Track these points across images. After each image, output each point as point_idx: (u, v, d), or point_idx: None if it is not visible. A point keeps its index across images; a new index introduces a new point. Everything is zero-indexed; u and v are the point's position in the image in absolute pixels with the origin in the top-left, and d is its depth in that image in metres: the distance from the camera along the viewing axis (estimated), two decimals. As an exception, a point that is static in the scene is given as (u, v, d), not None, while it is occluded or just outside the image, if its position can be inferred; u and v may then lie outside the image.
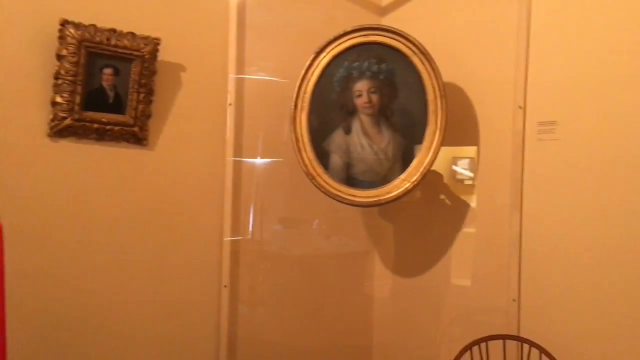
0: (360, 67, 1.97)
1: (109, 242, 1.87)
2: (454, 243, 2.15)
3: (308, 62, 1.99)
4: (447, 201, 2.20)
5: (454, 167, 2.16)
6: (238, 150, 2.11)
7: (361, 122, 2.00)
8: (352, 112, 2.00)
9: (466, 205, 2.11)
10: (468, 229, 2.11)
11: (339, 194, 1.97)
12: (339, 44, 1.97)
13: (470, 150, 2.08)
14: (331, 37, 1.97)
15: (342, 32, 1.96)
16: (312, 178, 1.98)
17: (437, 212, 2.24)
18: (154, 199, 1.96)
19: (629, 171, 1.64)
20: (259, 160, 2.20)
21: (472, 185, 2.09)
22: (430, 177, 2.05)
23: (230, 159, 2.08)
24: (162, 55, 1.90)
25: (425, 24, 2.21)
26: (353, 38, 1.96)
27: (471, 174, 2.09)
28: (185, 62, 1.98)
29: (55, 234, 1.78)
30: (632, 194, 1.63)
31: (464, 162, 2.13)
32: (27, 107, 1.71)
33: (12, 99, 1.69)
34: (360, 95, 1.98)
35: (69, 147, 1.79)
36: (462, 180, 2.14)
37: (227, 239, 2.09)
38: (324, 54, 1.98)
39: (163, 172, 1.97)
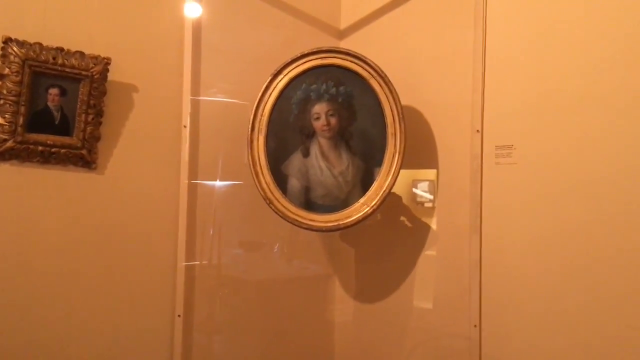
0: (318, 90, 1.94)
1: (55, 271, 1.76)
2: (416, 266, 2.12)
3: (265, 84, 1.95)
4: (407, 223, 2.17)
5: (415, 190, 2.14)
6: (194, 173, 2.05)
7: (320, 145, 1.96)
8: (310, 135, 1.96)
9: (427, 228, 2.09)
10: (429, 252, 2.09)
11: (297, 218, 1.92)
12: (296, 66, 1.94)
13: (430, 173, 2.07)
14: (289, 59, 1.94)
15: (299, 55, 1.94)
16: (269, 202, 1.92)
17: (398, 235, 2.22)
18: (104, 224, 1.87)
19: (587, 194, 1.64)
20: (218, 183, 2.14)
21: (432, 208, 2.07)
22: (390, 200, 2.03)
23: (185, 181, 2.01)
24: (112, 75, 1.83)
25: (383, 47, 2.22)
26: (311, 60, 1.94)
27: (431, 197, 2.08)
28: (138, 82, 1.91)
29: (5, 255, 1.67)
30: (591, 217, 1.63)
31: (424, 185, 2.11)
32: (-36, 128, 1.62)
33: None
34: (318, 118, 1.95)
35: (11, 171, 1.69)
36: (422, 203, 2.13)
37: (182, 264, 2.01)
38: (281, 76, 1.95)
39: (113, 197, 1.88)
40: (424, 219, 2.11)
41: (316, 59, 1.94)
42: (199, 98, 2.05)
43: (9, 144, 1.66)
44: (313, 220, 1.92)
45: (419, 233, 2.12)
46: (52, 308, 1.76)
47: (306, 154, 1.96)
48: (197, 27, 2.06)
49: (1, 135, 1.65)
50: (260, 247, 2.30)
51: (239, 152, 2.11)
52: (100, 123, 1.82)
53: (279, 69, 1.94)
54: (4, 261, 1.68)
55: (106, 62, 1.78)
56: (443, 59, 2.06)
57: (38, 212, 1.74)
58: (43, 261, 1.74)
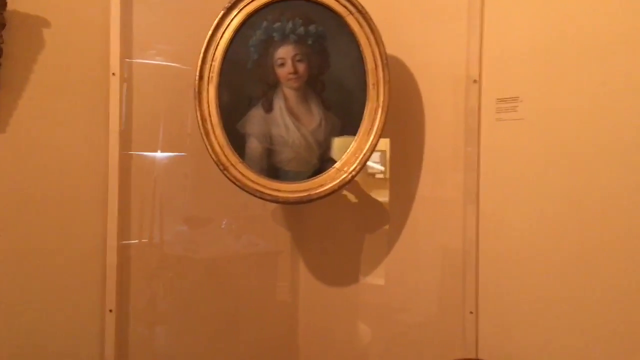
0: (282, 29, 1.57)
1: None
2: (390, 245, 1.80)
3: (216, 22, 1.55)
4: (379, 197, 1.85)
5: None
6: (126, 141, 1.65)
7: (285, 98, 1.59)
8: (273, 85, 1.59)
9: (404, 201, 1.77)
10: (409, 230, 1.77)
11: (258, 188, 1.56)
12: (255, -1, 1.56)
13: (414, 132, 1.75)
14: (245, -12, 1.55)
15: (259, -17, 1.55)
16: (224, 169, 1.55)
17: (369, 209, 1.89)
18: (8, 197, 1.45)
19: (608, 157, 1.36)
20: (159, 154, 1.75)
21: (417, 177, 1.75)
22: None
23: (115, 152, 1.60)
24: (14, 3, 1.40)
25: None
26: (274, -9, 1.56)
27: (382, 168, 1.78)
28: (49, 15, 1.48)
29: None
30: (611, 186, 1.36)
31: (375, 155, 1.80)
32: None
33: None
34: (283, 64, 1.57)
35: None
36: (373, 174, 1.83)
37: (114, 243, 1.62)
38: (236, 10, 1.55)
39: (19, 162, 1.47)
40: (400, 190, 1.80)
41: (281, -12, 1.56)
42: (132, 61, 1.64)
43: None
44: (278, 190, 1.56)
45: (394, 207, 1.81)
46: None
47: (268, 108, 1.59)
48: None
49: None
50: (206, 223, 1.96)
51: (181, 121, 1.75)
52: (-1, 65, 1.40)
53: (233, 1, 1.55)
54: None
55: (1, -17, 1.35)
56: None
57: None
58: None
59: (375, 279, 1.85)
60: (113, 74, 1.59)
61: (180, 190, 1.85)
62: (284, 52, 1.57)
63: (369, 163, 1.74)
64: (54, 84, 1.51)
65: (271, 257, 2.07)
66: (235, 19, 1.56)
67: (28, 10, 1.44)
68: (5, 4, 1.37)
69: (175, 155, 1.81)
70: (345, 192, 1.87)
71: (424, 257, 1.75)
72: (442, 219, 1.69)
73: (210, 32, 1.55)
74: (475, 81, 1.58)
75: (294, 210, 1.97)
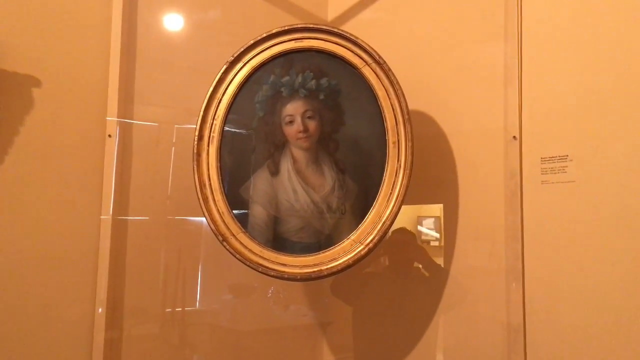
0: (291, 83, 1.41)
1: None
2: (437, 326, 1.54)
3: (218, 76, 1.41)
4: (423, 271, 1.60)
5: (420, 228, 1.60)
6: (122, 205, 1.50)
7: (294, 159, 1.41)
8: (281, 145, 1.41)
9: (448, 276, 1.52)
10: (453, 309, 1.51)
11: (262, 262, 1.35)
12: (262, 51, 1.41)
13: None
14: (251, 40, 1.41)
15: (265, 35, 1.40)
16: (223, 239, 1.36)
17: (410, 286, 1.65)
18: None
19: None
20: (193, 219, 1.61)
21: (462, 245, 1.51)
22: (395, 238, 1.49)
23: (107, 216, 1.45)
24: (2, 63, 1.31)
25: (382, 34, 1.69)
26: (281, 43, 1.41)
27: (437, 235, 1.54)
28: (42, 76, 1.39)
29: None
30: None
31: (429, 222, 1.58)
32: None
33: None
34: (292, 122, 1.41)
35: None
36: (428, 242, 1.59)
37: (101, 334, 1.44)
38: (240, 64, 1.42)
39: (6, 230, 1.34)
40: (438, 262, 1.56)
41: (289, 40, 1.40)
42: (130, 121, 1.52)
43: None
44: (284, 265, 1.35)
45: (436, 283, 1.56)
46: None
47: (275, 171, 1.41)
48: (130, 20, 1.54)
49: None
50: (252, 292, 1.79)
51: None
52: (-17, 127, 1.29)
53: (237, 54, 1.41)
54: None
55: (-13, 41, 1.26)
56: (462, 44, 1.53)
57: None
58: None
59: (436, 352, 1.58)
60: (109, 135, 1.47)
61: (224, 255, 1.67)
62: (293, 109, 1.41)
63: (423, 229, 1.54)
64: (42, 147, 1.39)
65: (314, 329, 1.85)
66: (240, 73, 1.42)
67: (17, 69, 1.34)
68: (-9, 64, 1.28)
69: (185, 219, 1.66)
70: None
71: (464, 341, 1.48)
72: (482, 299, 1.43)
73: (211, 89, 1.41)
74: (514, 137, 1.36)
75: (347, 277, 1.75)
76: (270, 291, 1.80)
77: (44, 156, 1.39)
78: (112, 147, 1.47)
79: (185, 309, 1.64)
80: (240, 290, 1.77)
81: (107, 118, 1.48)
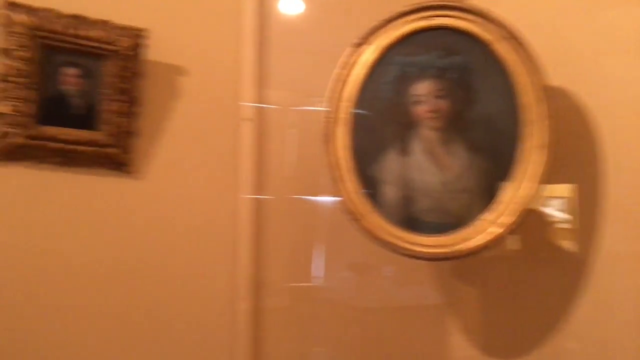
0: (420, 63, 1.40)
1: (81, 303, 1.35)
2: (569, 313, 1.48)
3: (345, 58, 1.44)
4: (555, 254, 1.54)
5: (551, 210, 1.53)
6: (258, 185, 1.58)
7: (424, 140, 1.41)
8: (410, 125, 1.42)
9: (586, 261, 1.45)
10: (588, 295, 1.44)
11: (394, 240, 1.37)
12: (388, 31, 1.42)
13: (597, 176, 1.44)
14: (379, 20, 1.42)
15: (394, 14, 1.41)
16: (354, 219, 1.40)
17: (541, 270, 1.58)
18: (142, 243, 1.44)
19: None
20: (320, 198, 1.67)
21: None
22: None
23: (246, 196, 1.54)
24: (152, 54, 1.42)
25: (514, 6, 1.62)
26: (410, 22, 1.40)
27: (570, 217, 1.46)
28: (185, 63, 1.49)
29: (9, 287, 1.28)
30: None
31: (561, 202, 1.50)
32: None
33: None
34: (421, 102, 1.40)
35: (24, 174, 1.31)
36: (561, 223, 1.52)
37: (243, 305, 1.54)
38: (366, 45, 1.43)
39: (154, 209, 1.45)
40: (572, 245, 1.48)
41: (417, 19, 1.40)
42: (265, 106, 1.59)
43: (19, 139, 1.28)
44: (414, 244, 1.36)
45: (567, 266, 1.49)
46: (72, 348, 1.34)
47: (405, 151, 1.42)
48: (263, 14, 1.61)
49: (8, 129, 1.27)
50: (370, 270, 1.81)
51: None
52: (136, 114, 1.41)
53: (364, 36, 1.42)
54: (18, 292, 1.29)
55: (137, 35, 1.37)
56: (603, 10, 1.43)
57: (58, 225, 1.34)
58: (66, 292, 1.34)
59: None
60: (245, 119, 1.55)
61: (344, 234, 1.72)
62: (423, 88, 1.40)
63: (551, 211, 1.48)
64: (189, 130, 1.50)
65: (438, 310, 1.85)
66: (367, 55, 1.43)
67: (163, 59, 1.45)
68: (141, 55, 1.39)
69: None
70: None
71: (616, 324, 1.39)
72: (627, 279, 1.34)
73: (338, 71, 1.44)
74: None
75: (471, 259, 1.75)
76: (389, 270, 1.82)
77: (189, 140, 1.50)
78: (247, 130, 1.55)
79: (309, 284, 1.70)
80: (359, 268, 1.79)
81: (241, 103, 1.56)
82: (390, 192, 1.42)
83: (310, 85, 1.66)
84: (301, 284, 1.69)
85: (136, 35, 1.37)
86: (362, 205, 1.41)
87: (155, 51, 1.43)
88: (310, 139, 1.60)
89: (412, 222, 1.39)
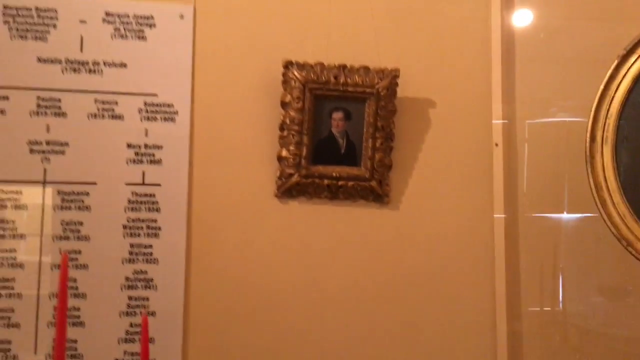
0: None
1: (348, 322, 1.52)
2: None
3: (609, 72, 1.34)
4: None
5: None
6: (512, 203, 1.56)
7: None
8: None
9: None
10: None
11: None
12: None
13: None
14: (643, 31, 1.30)
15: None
16: (627, 244, 1.28)
17: None
18: (400, 271, 1.54)
19: None
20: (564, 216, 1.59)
21: None
22: None
23: (500, 215, 1.53)
24: (402, 91, 1.51)
25: None
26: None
27: None
28: (433, 96, 1.56)
29: (287, 309, 1.51)
30: None
31: None
32: (253, 163, 1.51)
33: (237, 153, 1.50)
34: None
35: (299, 209, 1.52)
36: None
37: (503, 326, 1.52)
38: (634, 55, 1.31)
39: (410, 237, 1.54)
40: None
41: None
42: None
43: (295, 178, 1.49)
44: None
45: None
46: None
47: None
48: (509, 32, 1.60)
49: (287, 170, 1.49)
50: (627, 295, 1.61)
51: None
52: (391, 148, 1.52)
53: (630, 45, 1.31)
54: (293, 309, 1.50)
55: (394, 75, 1.48)
56: None
57: (330, 253, 1.52)
58: (335, 312, 1.51)
59: None
60: (496, 144, 1.55)
61: (591, 255, 1.61)
62: None
63: None
64: (438, 160, 1.56)
65: None
66: (635, 66, 1.32)
67: (413, 94, 1.54)
68: (395, 93, 1.50)
69: (582, 216, 1.60)
70: None
71: None
72: None
73: (602, 86, 1.34)
74: None
75: None
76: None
77: (441, 170, 1.55)
78: (499, 151, 1.54)
79: (548, 308, 1.59)
80: (612, 293, 1.62)
81: (493, 121, 1.56)
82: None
83: (550, 96, 1.60)
84: (546, 309, 1.60)
85: (391, 76, 1.48)
86: (635, 229, 1.29)
87: (406, 88, 1.52)
88: (548, 153, 1.56)
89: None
